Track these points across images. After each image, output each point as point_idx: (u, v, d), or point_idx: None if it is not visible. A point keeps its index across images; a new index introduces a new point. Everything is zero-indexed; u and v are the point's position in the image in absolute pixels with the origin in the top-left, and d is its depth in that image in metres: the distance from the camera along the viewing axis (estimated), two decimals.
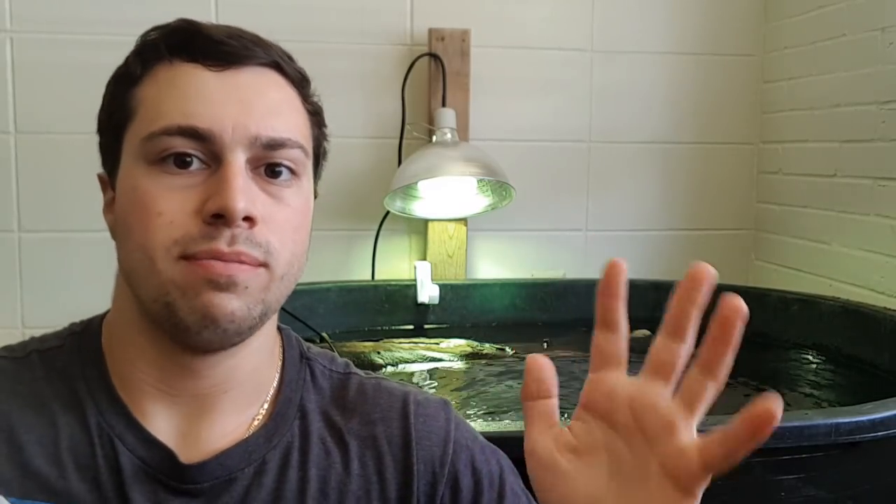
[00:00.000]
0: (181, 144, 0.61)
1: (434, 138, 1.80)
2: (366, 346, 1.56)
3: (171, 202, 0.60)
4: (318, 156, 0.71)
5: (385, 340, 1.62)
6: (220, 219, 0.60)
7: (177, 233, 0.60)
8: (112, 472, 0.63)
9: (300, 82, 0.68)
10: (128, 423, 0.64)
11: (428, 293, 1.78)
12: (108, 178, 0.67)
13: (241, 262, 0.61)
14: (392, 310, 1.79)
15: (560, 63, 1.99)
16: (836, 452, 1.01)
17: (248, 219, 0.60)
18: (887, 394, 1.07)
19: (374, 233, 1.90)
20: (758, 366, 1.60)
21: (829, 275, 1.85)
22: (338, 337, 1.60)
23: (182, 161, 0.61)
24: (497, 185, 1.81)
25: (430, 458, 0.70)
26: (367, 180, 1.91)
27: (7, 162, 1.77)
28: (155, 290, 0.61)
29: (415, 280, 1.79)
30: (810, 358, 1.61)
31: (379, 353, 1.54)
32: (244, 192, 0.60)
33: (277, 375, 0.71)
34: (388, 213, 1.85)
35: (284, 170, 0.64)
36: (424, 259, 1.90)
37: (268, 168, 0.64)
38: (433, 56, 1.88)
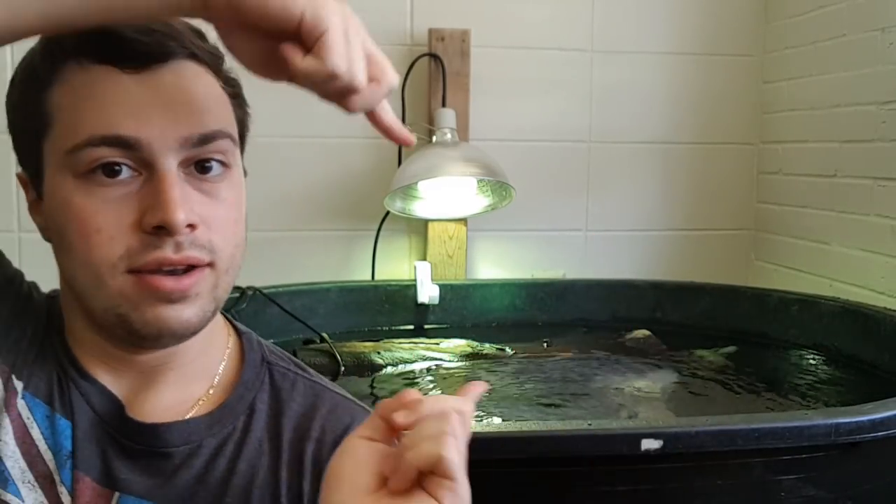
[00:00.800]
0: (108, 154, 0.59)
1: (434, 138, 1.80)
2: (366, 347, 1.56)
3: (108, 216, 0.60)
4: (243, 136, 0.69)
5: (385, 340, 1.62)
6: (161, 230, 0.59)
7: (119, 249, 0.60)
8: (69, 416, 0.65)
9: (216, 65, 0.66)
10: (82, 375, 0.66)
11: (428, 293, 1.78)
12: (31, 181, 0.66)
13: (190, 266, 0.61)
14: (392, 310, 1.79)
15: (560, 63, 1.99)
16: (836, 452, 1.01)
17: (189, 225, 0.60)
18: (887, 394, 1.07)
19: (374, 233, 1.90)
20: (758, 366, 1.60)
21: (829, 275, 1.85)
22: (338, 337, 1.60)
23: (111, 170, 0.60)
24: (497, 185, 1.80)
25: None
26: (367, 180, 1.91)
27: (7, 162, 1.77)
28: (106, 302, 0.61)
29: (415, 280, 1.79)
30: (810, 358, 1.61)
31: (379, 353, 1.53)
32: (183, 203, 0.59)
33: (225, 361, 0.72)
34: (388, 213, 1.85)
35: (215, 164, 0.63)
36: (424, 259, 1.90)
37: (197, 164, 0.62)
38: (433, 56, 1.88)
